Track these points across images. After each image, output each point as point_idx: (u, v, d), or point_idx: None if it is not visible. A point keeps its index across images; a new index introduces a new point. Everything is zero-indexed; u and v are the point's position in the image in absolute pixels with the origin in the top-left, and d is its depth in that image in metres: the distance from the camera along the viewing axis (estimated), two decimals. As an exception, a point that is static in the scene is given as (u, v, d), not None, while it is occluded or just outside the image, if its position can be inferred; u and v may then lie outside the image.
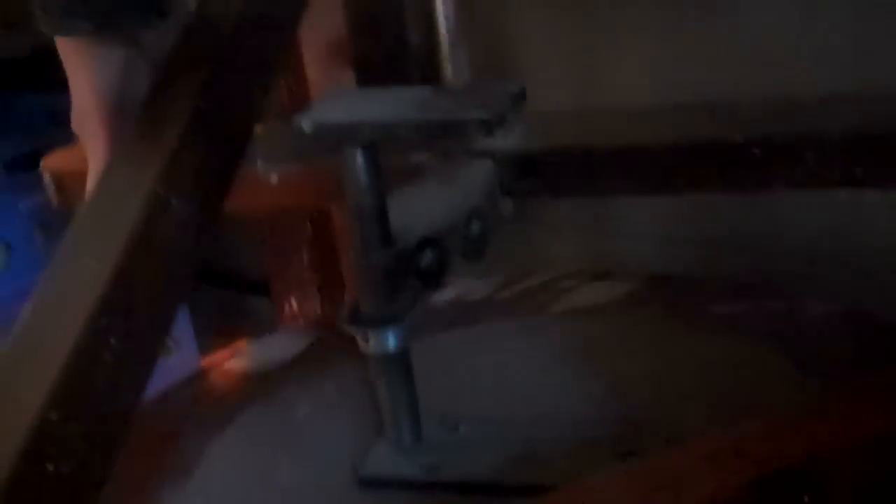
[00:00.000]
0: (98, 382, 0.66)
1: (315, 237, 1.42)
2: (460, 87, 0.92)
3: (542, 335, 0.96)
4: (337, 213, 1.37)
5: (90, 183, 0.83)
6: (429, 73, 1.26)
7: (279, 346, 1.06)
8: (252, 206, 0.91)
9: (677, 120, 0.94)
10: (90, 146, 0.84)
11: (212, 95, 0.81)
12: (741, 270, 1.22)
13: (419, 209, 0.79)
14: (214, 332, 1.64)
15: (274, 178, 0.94)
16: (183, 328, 1.63)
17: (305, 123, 0.76)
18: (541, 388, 0.87)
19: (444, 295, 1.08)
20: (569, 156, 0.90)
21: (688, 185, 0.91)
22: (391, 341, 0.75)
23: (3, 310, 1.54)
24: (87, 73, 0.83)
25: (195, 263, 0.79)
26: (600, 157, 0.90)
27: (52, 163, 1.14)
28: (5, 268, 1.59)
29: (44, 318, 0.68)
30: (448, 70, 1.12)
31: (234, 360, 1.07)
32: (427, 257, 0.75)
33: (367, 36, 1.20)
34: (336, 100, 0.80)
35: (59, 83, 0.87)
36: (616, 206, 1.34)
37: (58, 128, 0.94)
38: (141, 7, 0.82)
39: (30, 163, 1.33)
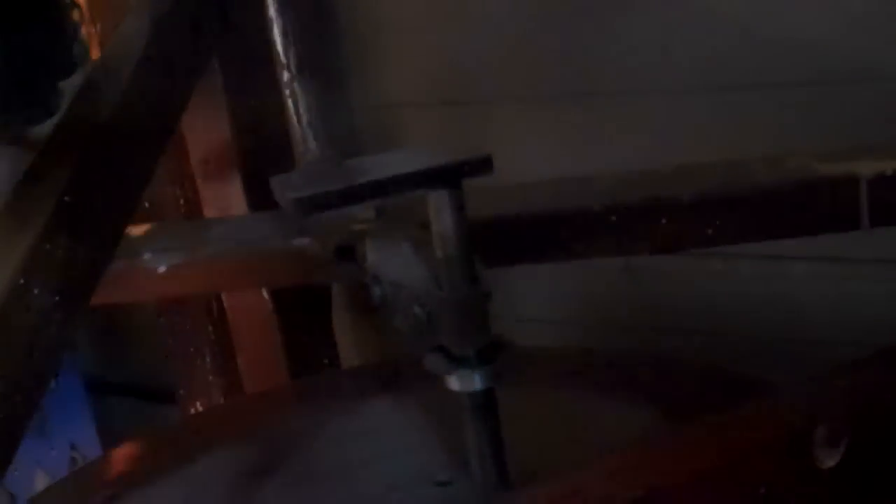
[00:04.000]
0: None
1: (216, 341, 1.43)
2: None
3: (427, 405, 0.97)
4: (234, 318, 1.39)
5: None
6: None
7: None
8: (140, 297, 0.94)
9: (540, 192, 0.99)
10: None
11: (79, 189, 0.84)
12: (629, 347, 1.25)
13: None
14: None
15: (161, 269, 0.98)
16: (89, 440, 1.61)
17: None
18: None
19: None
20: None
21: (552, 253, 0.96)
22: (482, 380, 0.76)
23: None
24: None
25: (59, 352, 0.80)
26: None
27: None
28: None
29: None
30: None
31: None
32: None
33: (250, 135, 1.25)
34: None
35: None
36: (510, 291, 1.37)
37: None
38: (29, 105, 0.84)
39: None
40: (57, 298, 0.78)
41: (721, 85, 1.18)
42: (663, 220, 0.90)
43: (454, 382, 0.76)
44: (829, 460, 0.68)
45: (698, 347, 1.19)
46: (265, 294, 1.30)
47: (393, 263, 0.82)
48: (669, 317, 1.22)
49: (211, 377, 1.45)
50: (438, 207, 0.74)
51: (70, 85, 1.00)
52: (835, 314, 1.15)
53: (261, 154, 1.22)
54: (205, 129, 1.24)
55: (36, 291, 0.76)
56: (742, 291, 1.17)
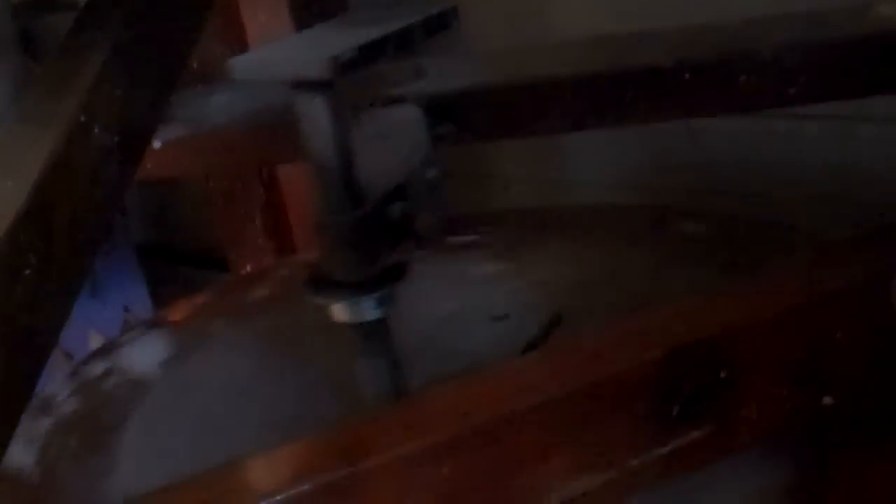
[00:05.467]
0: (18, 298, 0.66)
1: (267, 204, 1.42)
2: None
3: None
4: (285, 177, 1.38)
5: None
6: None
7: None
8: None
9: (603, 50, 0.94)
10: None
11: (134, 29, 0.82)
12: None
13: (375, 161, 0.69)
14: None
15: (157, 144, 0.92)
16: (141, 302, 1.63)
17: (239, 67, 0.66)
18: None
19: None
20: (484, 96, 0.87)
21: (617, 116, 0.90)
22: (372, 309, 0.66)
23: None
24: None
25: (120, 191, 0.79)
26: (518, 95, 0.87)
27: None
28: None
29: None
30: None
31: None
32: (396, 210, 0.67)
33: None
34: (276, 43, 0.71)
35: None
36: (563, 156, 1.34)
37: None
38: None
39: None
40: (117, 139, 0.77)
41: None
42: (741, 78, 0.83)
43: (339, 311, 0.66)
44: (907, 308, 0.66)
45: (757, 210, 1.17)
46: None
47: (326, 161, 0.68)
48: (730, 179, 1.19)
49: (261, 240, 1.45)
50: (309, 114, 0.62)
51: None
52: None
53: (317, 12, 1.19)
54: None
55: (96, 130, 0.75)
56: (806, 153, 1.14)
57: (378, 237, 0.65)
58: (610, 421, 0.60)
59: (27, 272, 0.67)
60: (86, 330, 1.55)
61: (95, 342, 1.55)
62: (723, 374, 0.61)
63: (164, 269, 1.74)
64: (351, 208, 0.64)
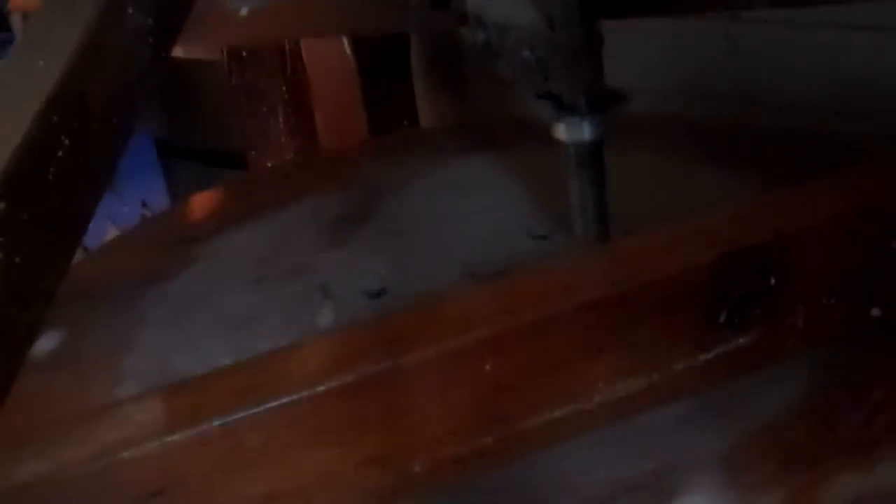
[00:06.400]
0: (50, 178, 0.64)
1: (289, 101, 1.40)
2: None
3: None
4: (314, 74, 1.35)
5: None
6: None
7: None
8: (219, 41, 0.88)
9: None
10: None
11: None
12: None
13: None
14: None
15: (244, 12, 0.92)
16: (159, 198, 1.62)
17: None
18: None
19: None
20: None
21: (660, 4, 0.89)
22: (592, 130, 0.69)
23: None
24: None
25: (153, 75, 0.77)
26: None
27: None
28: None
29: (-8, 114, 0.67)
30: None
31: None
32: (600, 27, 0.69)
33: None
34: None
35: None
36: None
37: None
38: None
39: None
40: (150, 21, 0.75)
41: None
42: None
43: (561, 131, 0.70)
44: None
45: (800, 123, 1.14)
46: (347, 50, 1.25)
47: (498, 4, 0.75)
48: (770, 91, 1.16)
49: (283, 138, 1.43)
50: None
51: None
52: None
53: None
54: None
55: (130, 10, 0.73)
56: (854, 65, 1.10)
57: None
58: (656, 324, 0.59)
59: (60, 154, 0.65)
60: (104, 224, 1.54)
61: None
62: (772, 281, 0.60)
63: (182, 165, 1.72)
64: (587, 27, 0.67)
